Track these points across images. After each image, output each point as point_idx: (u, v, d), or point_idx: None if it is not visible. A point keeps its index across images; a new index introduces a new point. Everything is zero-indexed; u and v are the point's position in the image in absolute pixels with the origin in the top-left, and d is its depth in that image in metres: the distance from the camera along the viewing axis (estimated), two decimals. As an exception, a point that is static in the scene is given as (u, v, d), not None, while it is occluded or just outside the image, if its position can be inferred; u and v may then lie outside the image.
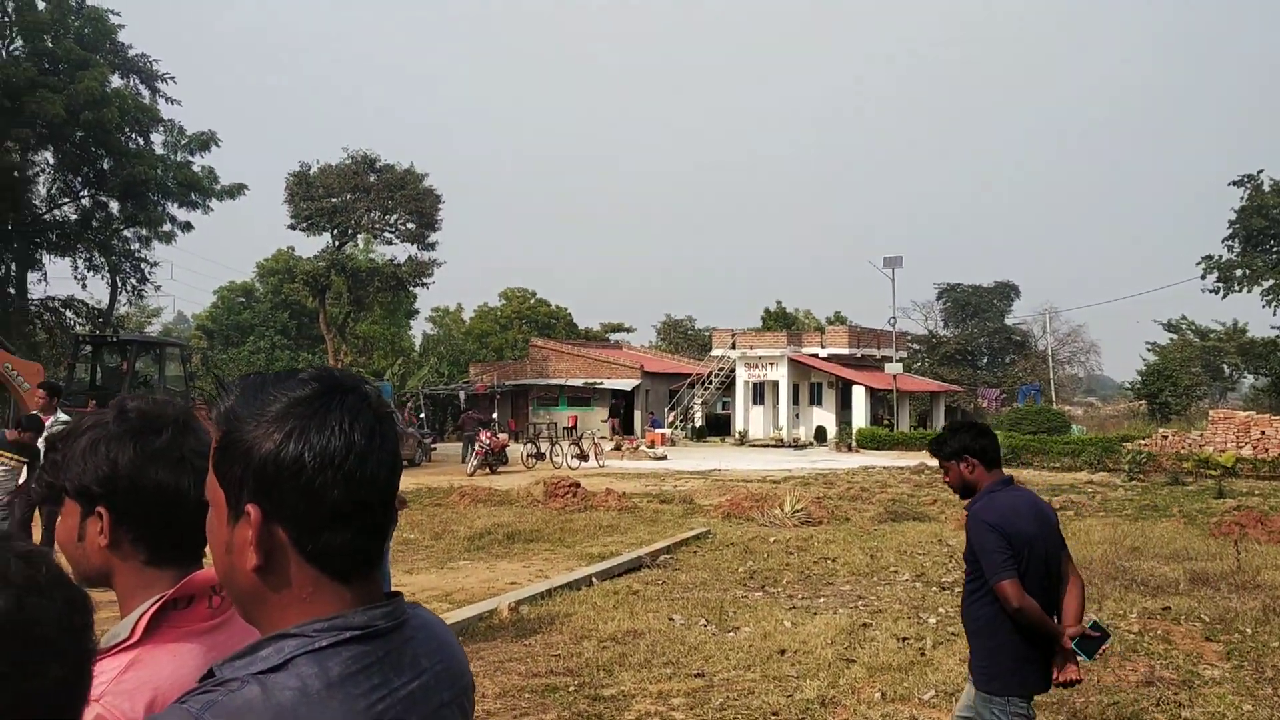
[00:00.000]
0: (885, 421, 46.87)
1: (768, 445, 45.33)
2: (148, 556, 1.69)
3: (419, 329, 76.05)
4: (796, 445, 45.00)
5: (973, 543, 4.29)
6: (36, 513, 10.91)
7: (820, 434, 46.84)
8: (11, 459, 10.36)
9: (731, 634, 8.84)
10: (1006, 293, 73.89)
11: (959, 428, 4.69)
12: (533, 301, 77.62)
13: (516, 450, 32.37)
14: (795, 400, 48.81)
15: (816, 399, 49.07)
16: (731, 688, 7.17)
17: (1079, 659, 4.22)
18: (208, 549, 1.60)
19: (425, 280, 53.20)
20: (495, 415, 42.40)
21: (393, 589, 1.38)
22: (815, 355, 49.06)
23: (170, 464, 1.70)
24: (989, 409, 60.77)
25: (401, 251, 53.22)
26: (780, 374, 48.21)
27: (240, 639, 1.72)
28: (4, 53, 35.62)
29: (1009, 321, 73.57)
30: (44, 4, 35.95)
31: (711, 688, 7.18)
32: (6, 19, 36.19)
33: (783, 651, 8.14)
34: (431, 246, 52.49)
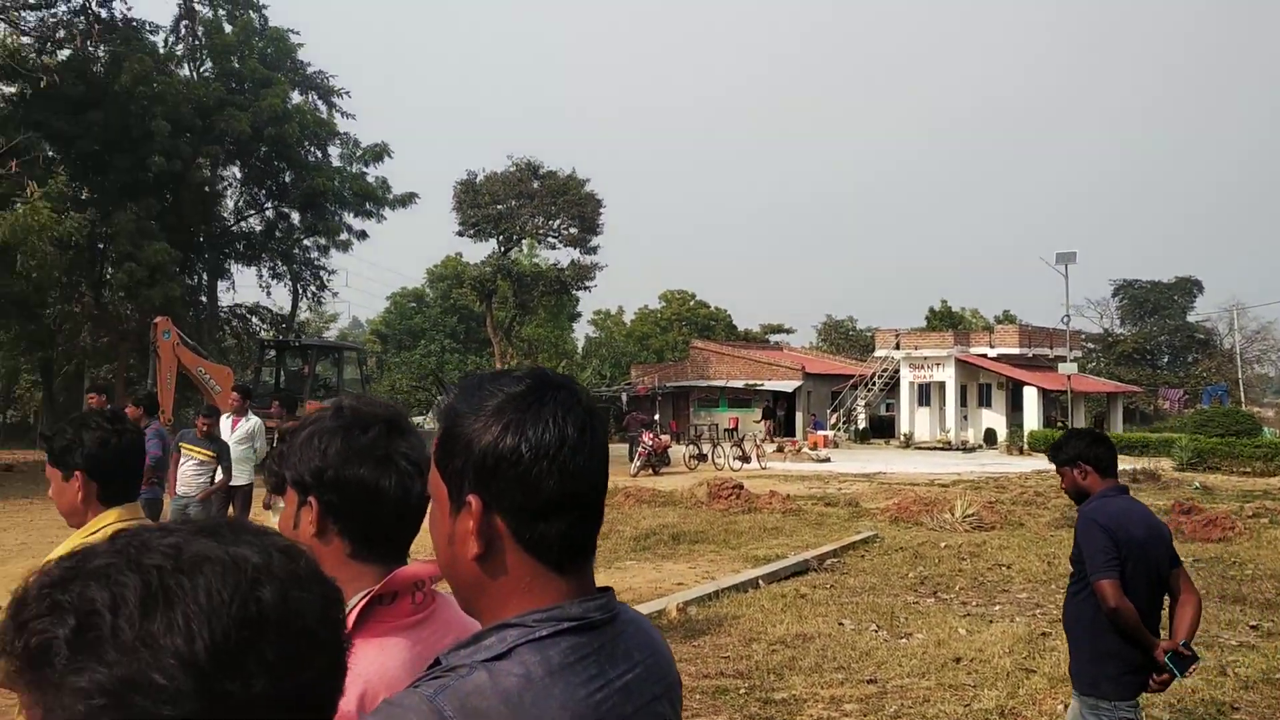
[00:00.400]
0: (1059, 424, 45.16)
1: (934, 448, 44.29)
2: (351, 550, 1.76)
3: (581, 332, 77.24)
4: (965, 448, 43.85)
5: (1080, 541, 4.36)
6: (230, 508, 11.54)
7: (990, 436, 45.52)
8: (202, 453, 10.94)
9: (904, 640, 8.67)
10: (1188, 288, 70.32)
11: (1075, 435, 4.77)
12: (692, 303, 77.81)
13: (678, 451, 32.51)
14: (963, 402, 47.55)
15: (985, 400, 47.70)
16: (906, 695, 7.03)
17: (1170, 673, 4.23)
18: (414, 548, 1.67)
19: (587, 283, 54.06)
20: (657, 416, 42.74)
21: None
22: (983, 355, 47.68)
23: (373, 461, 1.77)
24: (1171, 410, 57.98)
25: (564, 255, 54.22)
26: (947, 375, 47.06)
27: (442, 633, 1.78)
28: (195, 75, 37.82)
29: (1191, 319, 70.03)
30: (230, 27, 38.05)
31: (885, 694, 7.05)
32: (197, 43, 38.44)
33: (958, 659, 7.93)
34: (593, 250, 53.30)
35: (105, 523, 2.95)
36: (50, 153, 30.59)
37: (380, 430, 1.80)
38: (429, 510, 1.40)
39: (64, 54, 31.24)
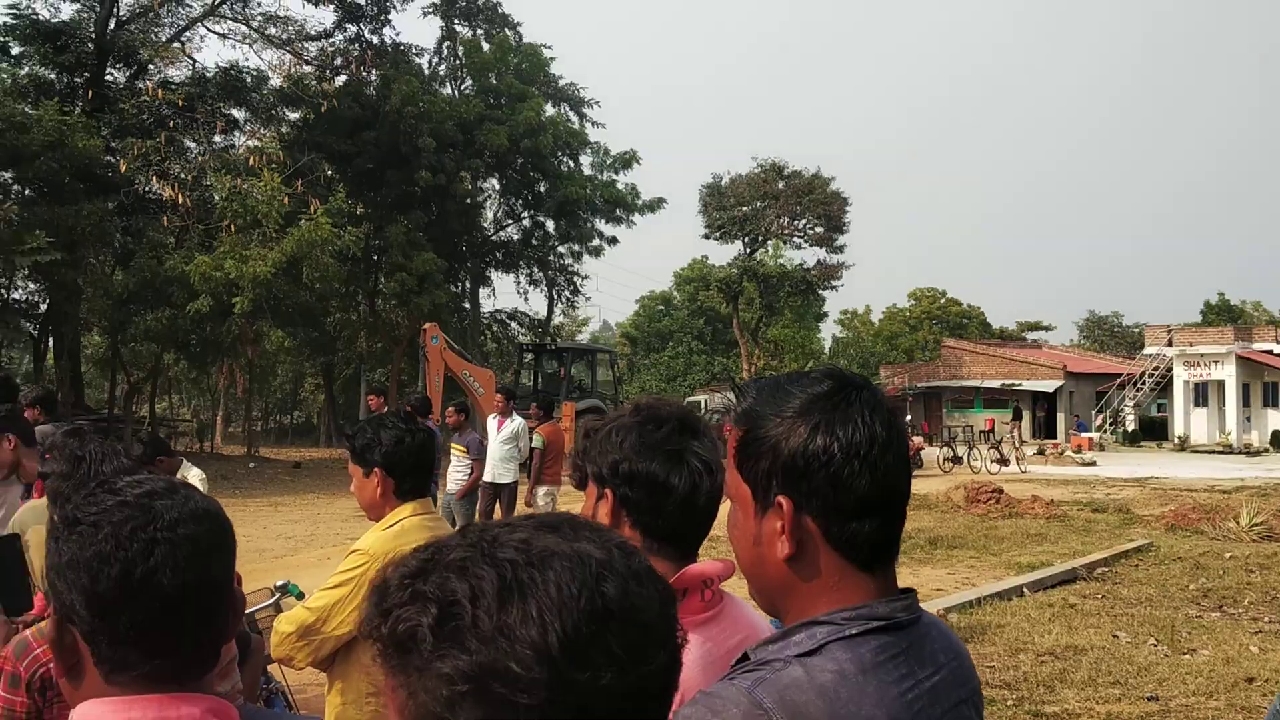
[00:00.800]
0: (1359, 426, 41.13)
1: (1213, 451, 41.22)
2: (643, 544, 1.81)
3: (828, 332, 76.47)
4: (1248, 451, 40.59)
5: None
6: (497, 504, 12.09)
7: (1277, 439, 41.96)
8: (460, 449, 11.48)
9: (1187, 656, 8.11)
10: None
11: None
12: (943, 301, 75.66)
13: (931, 453, 31.64)
14: (1245, 402, 44.01)
15: (1272, 400, 43.98)
16: (1191, 715, 6.59)
17: None
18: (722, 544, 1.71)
19: (833, 283, 53.56)
20: (908, 418, 41.66)
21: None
22: (1269, 352, 43.97)
23: (664, 456, 1.82)
24: None
25: (810, 255, 53.91)
26: (1226, 373, 43.68)
27: (731, 632, 1.81)
28: (457, 93, 39.88)
29: None
30: (488, 46, 39.93)
31: (1168, 713, 6.63)
32: (458, 62, 40.54)
33: (1250, 679, 7.35)
34: (839, 249, 52.77)
35: (401, 516, 3.16)
36: (330, 172, 33.00)
37: (673, 427, 1.85)
38: (729, 512, 1.42)
39: (340, 80, 33.60)
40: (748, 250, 53.70)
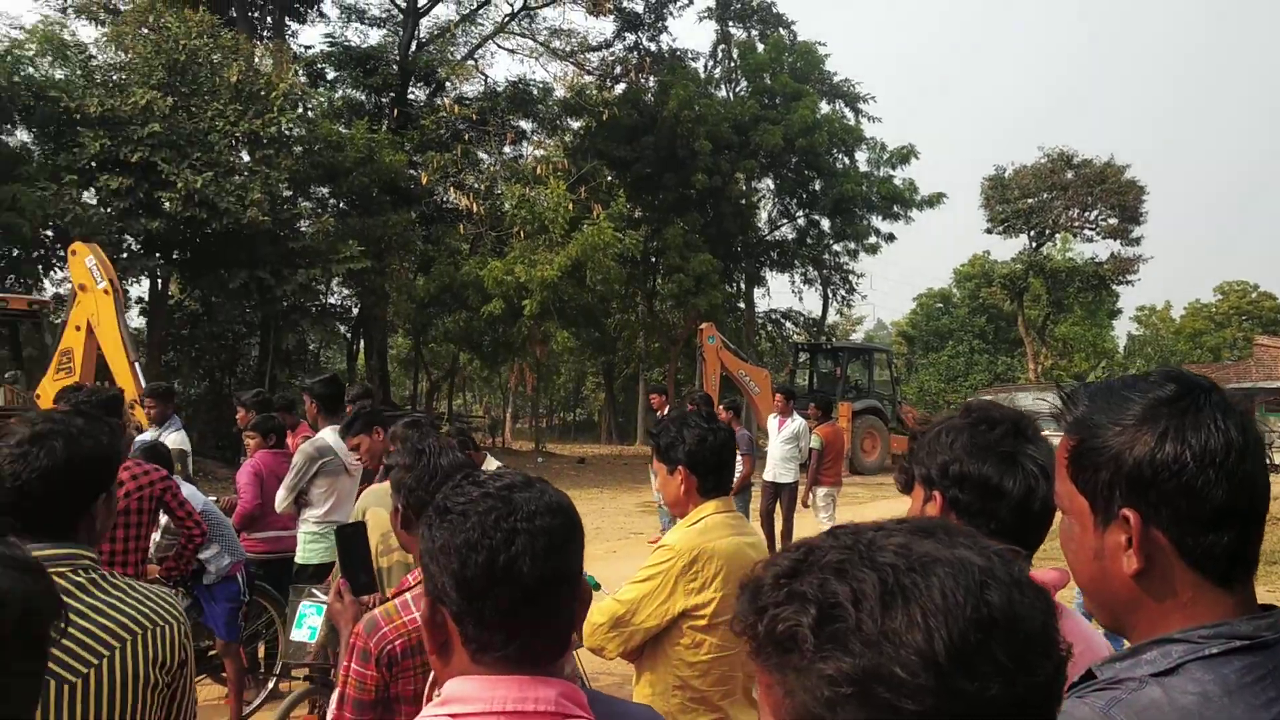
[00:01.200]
0: None
1: None
2: None
3: (1122, 329, 71.89)
4: None
5: None
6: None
7: None
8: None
9: None
10: None
11: None
12: (1254, 295, 69.51)
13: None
14: None
15: None
16: None
17: None
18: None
19: (1128, 277, 50.35)
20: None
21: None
22: None
23: (997, 458, 1.77)
24: None
25: (1102, 249, 50.90)
26: None
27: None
28: (731, 95, 40.24)
29: None
30: (762, 46, 40.08)
31: None
32: (732, 64, 40.91)
33: None
34: (1135, 242, 49.56)
35: (705, 513, 3.23)
36: (610, 177, 34.08)
37: (1007, 429, 1.80)
38: (1062, 525, 1.38)
39: (620, 88, 34.61)
40: (1033, 244, 51.33)
